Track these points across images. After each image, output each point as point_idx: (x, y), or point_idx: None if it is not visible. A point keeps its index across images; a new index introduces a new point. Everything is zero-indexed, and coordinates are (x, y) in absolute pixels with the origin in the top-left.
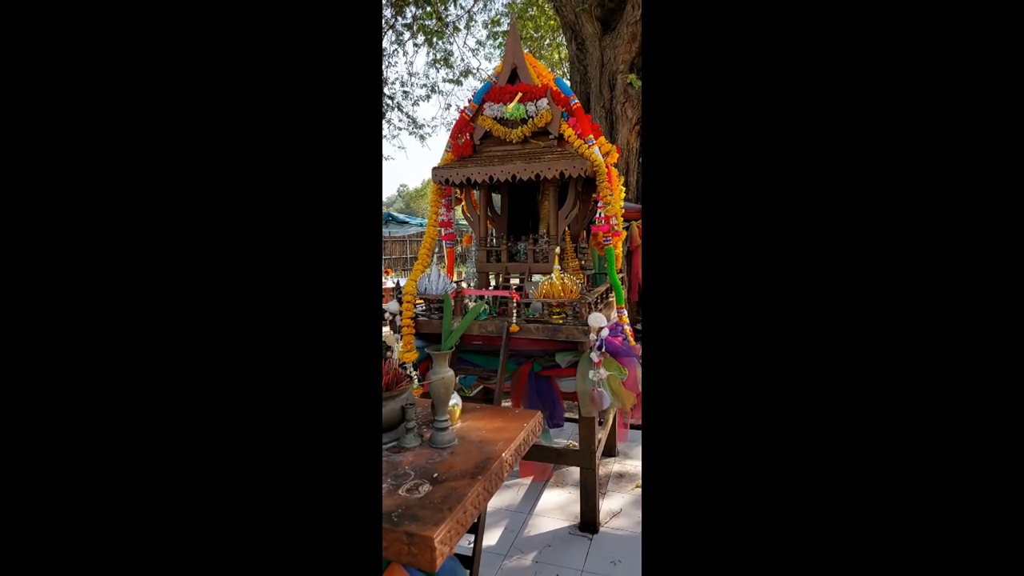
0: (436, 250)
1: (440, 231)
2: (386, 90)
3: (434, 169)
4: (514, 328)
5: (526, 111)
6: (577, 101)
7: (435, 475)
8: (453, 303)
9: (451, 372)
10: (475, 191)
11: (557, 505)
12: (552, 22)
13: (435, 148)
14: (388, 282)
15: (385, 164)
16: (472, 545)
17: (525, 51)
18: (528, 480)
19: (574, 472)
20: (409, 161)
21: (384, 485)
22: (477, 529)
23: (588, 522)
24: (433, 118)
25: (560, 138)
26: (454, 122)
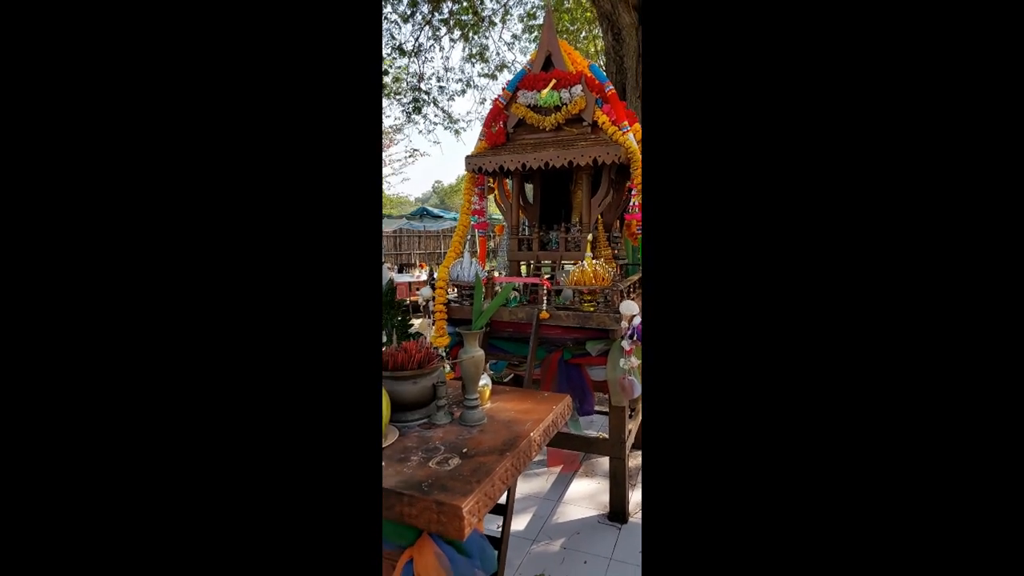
0: (469, 238)
1: (473, 219)
2: (422, 85)
3: (467, 157)
4: (544, 315)
5: (560, 98)
6: (612, 88)
7: (464, 450)
8: (484, 289)
9: (481, 352)
10: (508, 180)
11: (586, 494)
12: (588, 14)
13: (470, 143)
14: (422, 275)
15: (420, 160)
16: (500, 528)
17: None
18: (557, 470)
19: (603, 464)
20: (444, 156)
21: (415, 458)
22: (505, 512)
23: (617, 511)
24: (468, 113)
25: (594, 125)
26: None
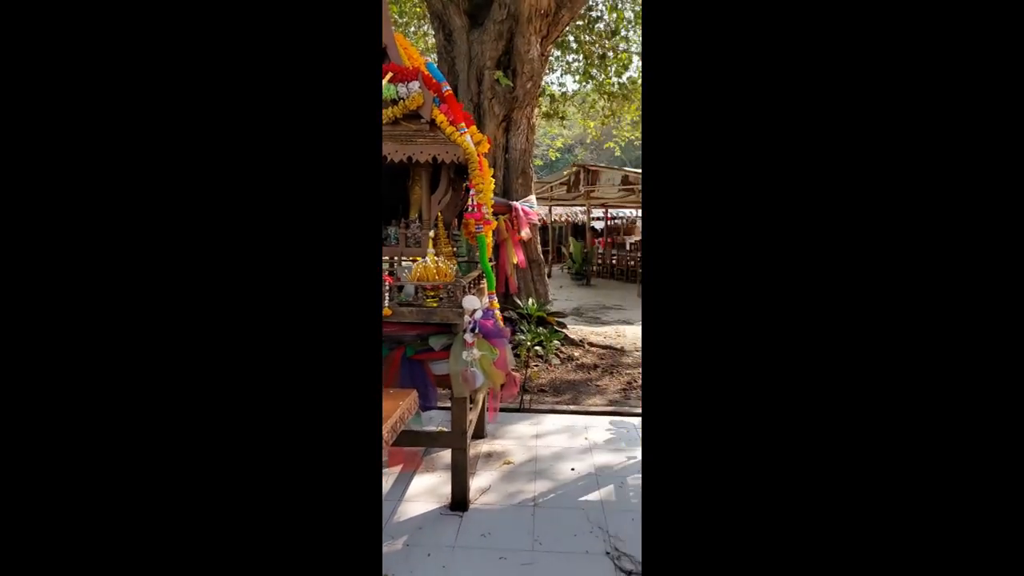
0: None
1: None
2: None
3: None
4: (387, 312)
5: (397, 92)
6: (449, 88)
7: None
8: None
9: None
10: None
11: (427, 489)
12: (419, 9)
13: None
14: None
15: None
16: None
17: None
18: (397, 469)
19: (444, 457)
20: None
21: None
22: None
23: (459, 501)
24: None
25: (432, 123)
26: None
